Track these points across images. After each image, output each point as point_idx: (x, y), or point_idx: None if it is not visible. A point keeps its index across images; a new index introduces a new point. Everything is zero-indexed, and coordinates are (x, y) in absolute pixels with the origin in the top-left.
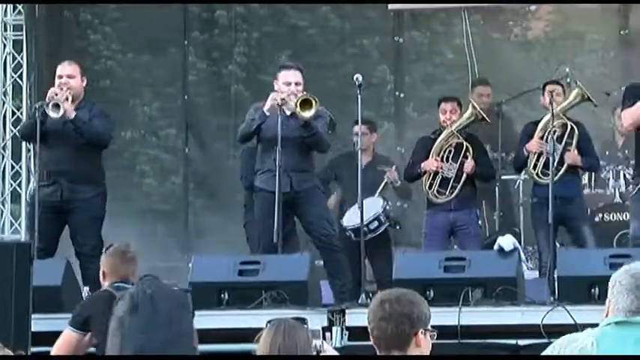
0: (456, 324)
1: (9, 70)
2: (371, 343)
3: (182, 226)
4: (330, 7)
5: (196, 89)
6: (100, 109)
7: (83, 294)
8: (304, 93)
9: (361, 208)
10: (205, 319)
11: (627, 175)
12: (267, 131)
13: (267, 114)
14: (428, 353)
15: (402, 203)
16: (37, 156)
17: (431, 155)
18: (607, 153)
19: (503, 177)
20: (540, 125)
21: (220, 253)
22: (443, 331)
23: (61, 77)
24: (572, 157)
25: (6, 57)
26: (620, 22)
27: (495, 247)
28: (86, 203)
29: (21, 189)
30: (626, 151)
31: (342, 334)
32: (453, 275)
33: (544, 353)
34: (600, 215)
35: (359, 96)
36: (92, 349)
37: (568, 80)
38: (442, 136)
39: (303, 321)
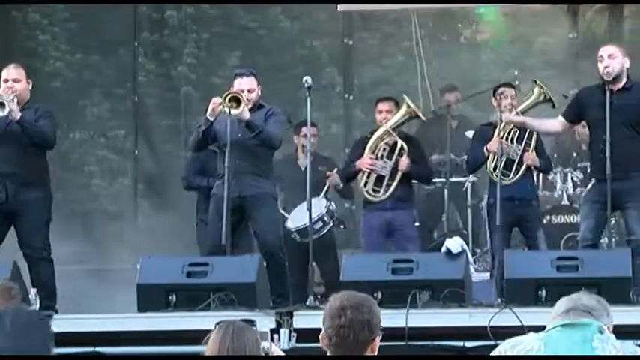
0: (404, 326)
1: None
2: (319, 345)
3: (131, 228)
4: (280, 8)
5: (146, 90)
6: (44, 110)
7: (31, 296)
8: (232, 90)
9: (309, 209)
10: (153, 321)
11: (575, 178)
12: (219, 137)
13: (211, 119)
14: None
15: (350, 205)
16: None
17: (365, 154)
18: (555, 155)
19: (452, 179)
20: (500, 126)
21: (169, 255)
22: (391, 333)
23: (7, 81)
24: (531, 158)
25: None
26: (569, 25)
27: (443, 249)
28: (32, 205)
29: None
30: (574, 154)
31: (289, 335)
32: (401, 277)
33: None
34: (548, 217)
35: (308, 98)
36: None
37: (517, 83)
38: (377, 134)
39: (251, 323)
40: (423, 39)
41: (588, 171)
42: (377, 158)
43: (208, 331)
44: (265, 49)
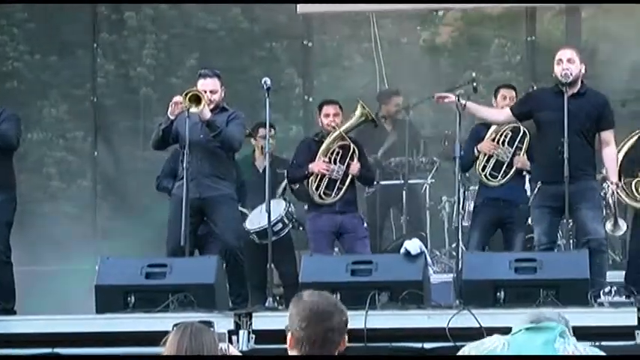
0: (363, 327)
1: None
2: (278, 346)
3: (90, 229)
4: (240, 9)
5: (105, 91)
6: (10, 113)
7: None
8: (194, 89)
9: (269, 211)
10: (112, 322)
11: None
12: (181, 137)
13: (172, 117)
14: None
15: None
16: None
17: (318, 157)
18: None
19: (410, 181)
20: (493, 128)
21: (127, 256)
22: (350, 335)
23: None
24: (522, 161)
25: None
26: (527, 28)
27: (402, 250)
28: None
29: None
30: None
31: (248, 337)
32: (360, 279)
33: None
34: None
35: (267, 99)
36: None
37: (474, 85)
38: (331, 137)
39: (209, 324)
40: (382, 41)
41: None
42: (330, 162)
43: (167, 333)
44: (224, 50)
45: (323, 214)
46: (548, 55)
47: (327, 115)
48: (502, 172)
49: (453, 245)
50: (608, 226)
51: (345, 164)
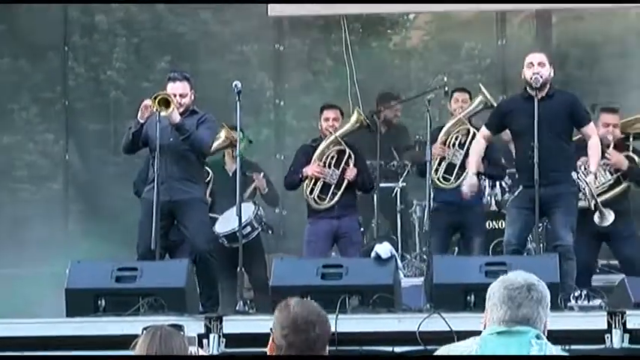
0: (333, 331)
1: None
2: (249, 350)
3: (61, 233)
4: (211, 13)
5: (76, 94)
6: None
7: None
8: (164, 93)
9: (239, 214)
10: (81, 326)
11: (504, 184)
12: (151, 141)
13: (141, 121)
14: None
15: (281, 210)
16: None
17: (313, 161)
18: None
19: (381, 184)
20: (443, 130)
21: (98, 260)
22: None
23: None
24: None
25: None
26: (497, 32)
27: (372, 254)
28: None
29: None
30: (503, 160)
31: (219, 341)
32: (330, 282)
33: None
34: None
35: (238, 103)
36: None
37: (446, 89)
38: (326, 142)
39: (179, 328)
40: (353, 44)
41: (516, 177)
42: (325, 166)
43: (137, 336)
44: (195, 53)
45: (321, 219)
46: (519, 59)
47: (327, 119)
48: (454, 174)
49: (424, 249)
50: (595, 218)
51: (340, 169)
